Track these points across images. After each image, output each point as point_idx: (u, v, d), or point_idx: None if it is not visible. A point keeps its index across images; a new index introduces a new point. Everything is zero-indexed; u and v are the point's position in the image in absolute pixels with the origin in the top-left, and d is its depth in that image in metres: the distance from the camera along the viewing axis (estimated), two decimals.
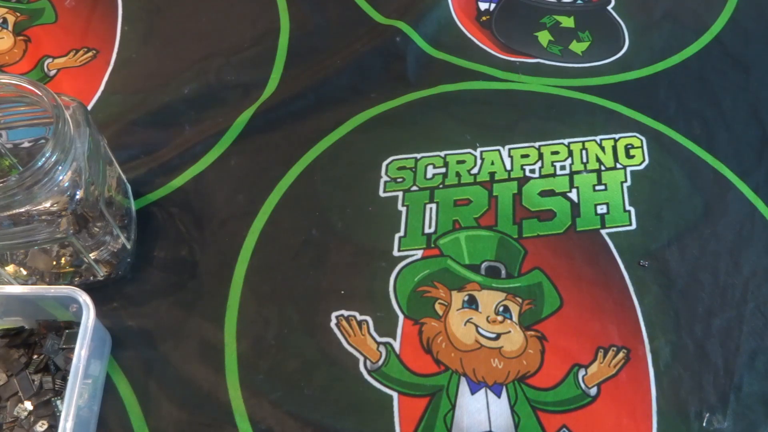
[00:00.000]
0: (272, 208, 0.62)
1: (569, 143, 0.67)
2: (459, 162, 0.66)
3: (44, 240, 0.48)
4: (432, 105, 0.69)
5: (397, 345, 0.56)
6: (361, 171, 0.65)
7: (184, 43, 0.73)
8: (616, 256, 0.61)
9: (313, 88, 0.69)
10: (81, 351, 0.46)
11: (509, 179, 0.65)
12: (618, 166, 0.66)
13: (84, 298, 0.48)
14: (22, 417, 0.50)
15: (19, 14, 0.74)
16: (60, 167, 0.45)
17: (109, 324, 0.55)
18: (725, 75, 0.73)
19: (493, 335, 0.56)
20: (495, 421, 0.53)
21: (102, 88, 0.69)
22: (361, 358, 0.55)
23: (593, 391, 0.55)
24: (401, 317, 0.57)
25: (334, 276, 0.59)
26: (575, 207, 0.63)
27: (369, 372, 0.55)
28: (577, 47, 0.75)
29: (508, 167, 0.66)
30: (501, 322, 0.57)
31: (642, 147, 0.67)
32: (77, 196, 0.47)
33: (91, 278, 0.55)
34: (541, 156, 0.67)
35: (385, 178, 0.65)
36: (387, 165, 0.65)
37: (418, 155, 0.66)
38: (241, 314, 0.57)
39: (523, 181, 0.65)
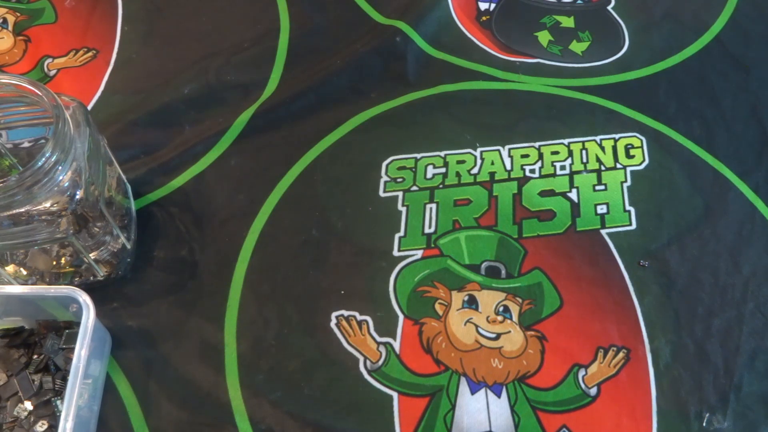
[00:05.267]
0: (272, 208, 0.62)
1: (569, 143, 0.67)
2: (459, 162, 0.66)
3: (44, 240, 0.48)
4: (432, 105, 0.69)
5: (397, 345, 0.56)
6: (361, 171, 0.65)
7: (184, 43, 0.73)
8: (616, 256, 0.61)
9: (313, 88, 0.69)
10: (81, 351, 0.46)
11: (509, 179, 0.65)
12: (618, 166, 0.66)
13: (84, 298, 0.48)
14: (22, 417, 0.50)
15: (19, 14, 0.74)
16: (60, 167, 0.45)
17: (109, 324, 0.55)
18: (725, 75, 0.73)
19: (493, 335, 0.56)
20: (495, 421, 0.53)
21: (102, 88, 0.69)
22: (361, 358, 0.55)
23: (593, 391, 0.55)
24: (401, 317, 0.57)
25: (334, 276, 0.59)
26: (575, 207, 0.63)
27: (369, 372, 0.55)
28: (577, 47, 0.75)
29: (508, 167, 0.66)
30: (501, 322, 0.57)
31: (642, 147, 0.67)
32: (77, 196, 0.47)
33: (91, 278, 0.55)
34: (541, 156, 0.67)
35: (385, 178, 0.65)
36: (387, 165, 0.65)
37: (418, 155, 0.66)
38: (241, 314, 0.57)
39: (523, 181, 0.65)
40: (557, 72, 0.73)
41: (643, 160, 0.67)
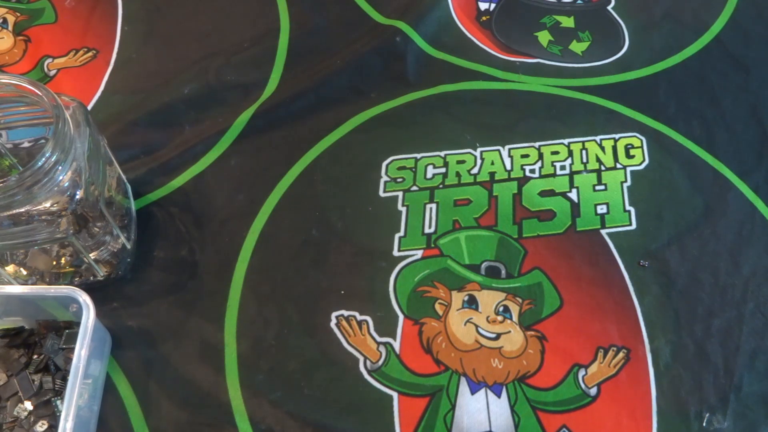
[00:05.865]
0: (272, 208, 0.62)
1: (569, 143, 0.67)
2: (459, 162, 0.66)
3: (44, 240, 0.48)
4: (432, 105, 0.69)
5: (397, 345, 0.56)
6: (361, 171, 0.65)
7: (184, 43, 0.73)
8: (616, 256, 0.61)
9: (313, 88, 0.69)
10: (81, 351, 0.46)
11: (509, 179, 0.65)
12: (618, 166, 0.66)
13: (84, 298, 0.48)
14: (22, 417, 0.50)
15: (19, 14, 0.74)
16: (60, 167, 0.45)
17: (109, 324, 0.55)
18: (725, 75, 0.73)
19: (493, 335, 0.56)
20: (495, 421, 0.53)
21: (102, 88, 0.69)
22: (361, 358, 0.55)
23: (593, 391, 0.55)
24: (401, 317, 0.57)
25: (334, 276, 0.59)
26: (575, 207, 0.63)
27: (369, 372, 0.55)
28: (577, 47, 0.75)
29: (508, 167, 0.66)
30: (501, 322, 0.57)
31: (642, 147, 0.67)
32: (77, 196, 0.47)
33: (91, 278, 0.55)
34: (541, 156, 0.67)
35: (385, 178, 0.65)
36: (387, 165, 0.65)
37: (418, 155, 0.66)
38: (241, 314, 0.57)
39: (523, 181, 0.65)
40: (557, 72, 0.73)
41: (643, 160, 0.67)
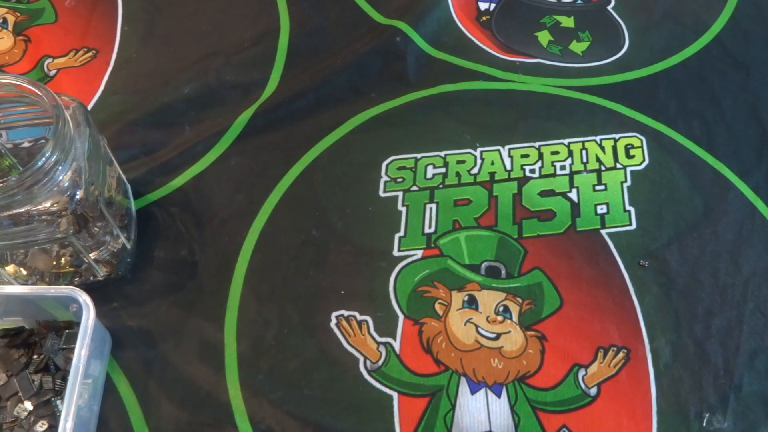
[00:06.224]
0: (272, 208, 0.62)
1: (569, 143, 0.67)
2: (459, 162, 0.66)
3: (44, 240, 0.48)
4: (432, 105, 0.69)
5: (397, 345, 0.56)
6: (361, 171, 0.65)
7: (184, 43, 0.73)
8: (616, 256, 0.61)
9: (313, 88, 0.69)
10: (81, 351, 0.46)
11: (509, 179, 0.65)
12: (618, 166, 0.66)
13: (84, 298, 0.48)
14: (22, 417, 0.50)
15: (19, 14, 0.74)
16: (60, 167, 0.45)
17: (109, 324, 0.55)
18: (725, 75, 0.73)
19: (493, 335, 0.56)
20: (495, 421, 0.53)
21: (102, 88, 0.69)
22: (361, 358, 0.55)
23: (593, 391, 0.55)
24: (401, 317, 0.57)
25: (334, 276, 0.59)
26: (575, 207, 0.63)
27: (369, 372, 0.55)
28: (577, 47, 0.75)
29: (508, 167, 0.66)
30: (501, 322, 0.57)
31: (642, 147, 0.67)
32: (77, 196, 0.47)
33: (91, 278, 0.55)
34: (541, 156, 0.67)
35: (385, 178, 0.65)
36: (387, 165, 0.65)
37: (418, 155, 0.66)
38: (241, 314, 0.57)
39: (523, 181, 0.65)
40: (557, 72, 0.73)
41: (643, 160, 0.67)
